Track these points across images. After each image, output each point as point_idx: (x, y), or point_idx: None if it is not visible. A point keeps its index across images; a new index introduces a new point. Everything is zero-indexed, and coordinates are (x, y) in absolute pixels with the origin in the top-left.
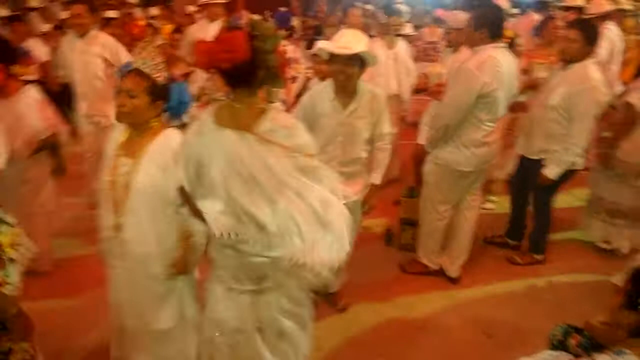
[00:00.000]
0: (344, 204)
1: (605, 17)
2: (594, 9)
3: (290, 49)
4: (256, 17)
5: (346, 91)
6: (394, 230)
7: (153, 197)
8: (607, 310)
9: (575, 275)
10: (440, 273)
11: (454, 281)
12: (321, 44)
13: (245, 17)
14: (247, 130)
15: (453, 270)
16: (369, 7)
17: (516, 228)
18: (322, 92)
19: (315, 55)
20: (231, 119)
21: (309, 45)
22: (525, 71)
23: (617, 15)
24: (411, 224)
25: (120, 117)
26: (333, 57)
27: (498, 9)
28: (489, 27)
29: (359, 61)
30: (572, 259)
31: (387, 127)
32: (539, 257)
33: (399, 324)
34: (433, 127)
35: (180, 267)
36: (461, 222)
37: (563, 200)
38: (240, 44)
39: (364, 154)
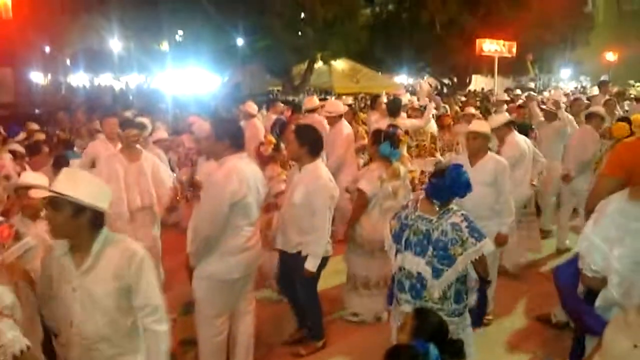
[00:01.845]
0: None
1: (340, 116)
2: (329, 109)
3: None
4: None
5: (79, 245)
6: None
7: None
8: None
9: (352, 348)
10: None
11: None
12: (27, 176)
13: None
14: None
15: None
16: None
17: (303, 318)
18: (57, 245)
19: (20, 188)
20: None
21: (56, 163)
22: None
23: (350, 113)
24: (192, 343)
25: None
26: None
27: (236, 120)
28: (230, 138)
29: (70, 208)
30: (348, 335)
31: (155, 298)
32: (319, 343)
33: None
34: (194, 241)
35: None
36: (240, 330)
37: (331, 280)
38: None
39: (117, 335)
